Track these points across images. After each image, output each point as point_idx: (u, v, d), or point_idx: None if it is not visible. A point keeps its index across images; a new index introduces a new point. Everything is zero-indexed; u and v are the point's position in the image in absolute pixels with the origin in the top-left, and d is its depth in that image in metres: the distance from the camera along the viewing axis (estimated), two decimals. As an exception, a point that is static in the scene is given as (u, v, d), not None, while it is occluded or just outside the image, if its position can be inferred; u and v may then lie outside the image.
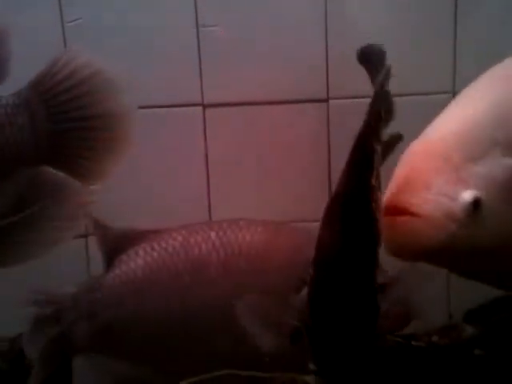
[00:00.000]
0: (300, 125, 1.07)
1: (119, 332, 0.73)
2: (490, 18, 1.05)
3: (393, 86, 0.73)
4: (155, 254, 0.74)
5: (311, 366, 0.66)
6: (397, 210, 0.61)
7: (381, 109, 0.62)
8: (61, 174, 0.77)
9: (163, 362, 0.73)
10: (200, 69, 1.05)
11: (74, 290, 0.76)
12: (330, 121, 1.06)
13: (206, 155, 1.07)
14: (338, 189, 0.60)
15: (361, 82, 1.04)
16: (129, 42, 1.03)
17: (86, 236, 1.06)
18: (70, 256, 0.96)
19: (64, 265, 0.97)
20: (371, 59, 0.66)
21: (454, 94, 1.03)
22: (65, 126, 0.77)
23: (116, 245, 0.76)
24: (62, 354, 0.74)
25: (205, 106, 1.05)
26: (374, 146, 0.59)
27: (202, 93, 1.05)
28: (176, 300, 0.72)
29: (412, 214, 0.60)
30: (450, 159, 0.62)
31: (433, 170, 0.62)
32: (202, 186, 1.08)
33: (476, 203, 0.59)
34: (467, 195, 0.60)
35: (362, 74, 1.03)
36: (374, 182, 0.58)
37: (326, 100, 1.06)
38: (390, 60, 0.68)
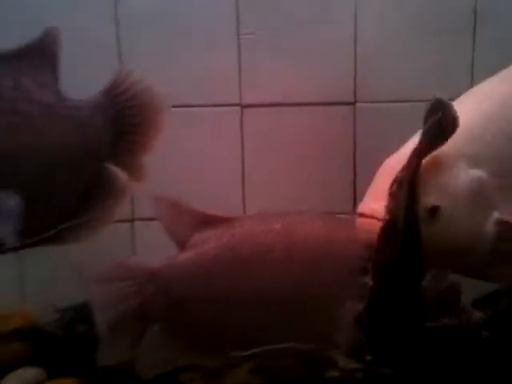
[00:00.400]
0: (328, 126, 1.16)
1: (190, 307, 0.81)
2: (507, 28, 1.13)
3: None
4: (225, 239, 0.81)
5: (368, 357, 0.75)
6: (370, 216, 0.71)
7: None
8: (114, 168, 0.92)
9: (229, 335, 0.81)
10: (240, 72, 1.15)
11: (149, 265, 0.83)
12: (357, 123, 1.15)
13: (243, 151, 1.18)
14: (392, 217, 0.68)
15: (387, 86, 1.14)
16: (171, 44, 1.14)
17: (131, 220, 1.19)
18: (115, 239, 1.08)
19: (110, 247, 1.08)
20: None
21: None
22: (124, 129, 0.92)
23: (190, 227, 0.83)
24: (141, 324, 0.82)
25: (243, 106, 1.16)
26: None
27: (241, 94, 1.16)
28: (242, 281, 0.80)
29: (381, 220, 0.69)
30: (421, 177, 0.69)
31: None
32: (237, 182, 1.19)
33: (433, 210, 0.67)
34: (428, 204, 0.68)
35: (388, 78, 1.13)
36: (417, 208, 0.66)
37: (354, 103, 1.16)
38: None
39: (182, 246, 0.83)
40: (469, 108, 0.75)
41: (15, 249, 0.85)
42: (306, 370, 0.92)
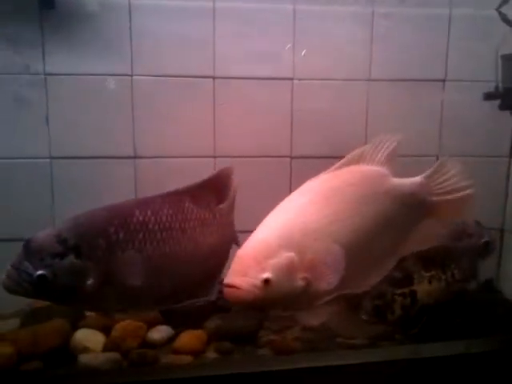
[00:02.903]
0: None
1: None
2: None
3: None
4: None
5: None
6: (231, 286, 1.10)
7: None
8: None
9: None
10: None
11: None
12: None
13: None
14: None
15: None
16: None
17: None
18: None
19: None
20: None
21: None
22: None
23: None
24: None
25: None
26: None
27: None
28: None
29: (237, 288, 1.09)
30: (257, 258, 1.11)
31: (247, 265, 1.11)
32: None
33: (266, 280, 1.08)
34: (262, 276, 1.08)
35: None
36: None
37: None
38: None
39: None
40: (281, 217, 1.22)
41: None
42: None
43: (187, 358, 1.36)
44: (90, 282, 1.12)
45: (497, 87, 1.60)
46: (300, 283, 1.13)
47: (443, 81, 1.74)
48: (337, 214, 1.23)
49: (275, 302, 1.16)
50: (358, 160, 1.35)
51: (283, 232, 1.16)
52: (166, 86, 1.61)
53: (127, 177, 1.62)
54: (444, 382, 1.21)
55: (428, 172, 1.37)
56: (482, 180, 1.74)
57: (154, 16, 1.59)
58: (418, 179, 1.38)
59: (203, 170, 1.61)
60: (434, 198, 1.37)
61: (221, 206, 1.36)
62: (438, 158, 1.74)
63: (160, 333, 1.47)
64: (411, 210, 1.35)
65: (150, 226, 1.20)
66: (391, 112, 1.73)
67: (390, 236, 1.29)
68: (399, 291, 1.23)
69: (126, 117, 1.61)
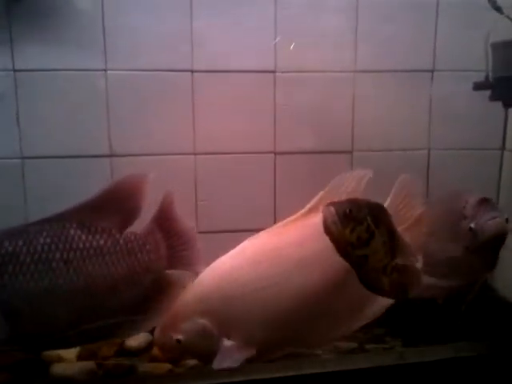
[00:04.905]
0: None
1: None
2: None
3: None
4: None
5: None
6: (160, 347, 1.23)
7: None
8: (172, 272, 1.18)
9: None
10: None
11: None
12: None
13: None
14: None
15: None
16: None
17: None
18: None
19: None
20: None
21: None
22: (173, 244, 1.18)
23: None
24: None
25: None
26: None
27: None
28: None
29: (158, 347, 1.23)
30: (174, 319, 1.16)
31: (166, 324, 1.17)
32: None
33: (178, 340, 1.16)
34: (175, 337, 1.16)
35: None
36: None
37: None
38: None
39: None
40: (206, 282, 1.20)
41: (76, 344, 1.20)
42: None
43: (166, 366, 1.30)
44: None
45: (487, 77, 1.53)
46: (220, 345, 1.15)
47: (432, 71, 1.67)
48: (269, 279, 1.16)
49: (196, 357, 1.23)
50: (319, 208, 1.20)
51: (202, 298, 1.17)
52: (142, 80, 1.54)
53: (103, 176, 1.55)
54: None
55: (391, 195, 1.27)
56: (474, 173, 1.72)
57: (128, 7, 1.52)
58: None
59: (183, 168, 1.58)
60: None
61: (140, 230, 1.16)
62: (429, 152, 1.71)
63: (137, 340, 1.40)
64: None
65: (22, 258, 1.06)
66: (378, 104, 1.66)
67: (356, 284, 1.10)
68: (370, 220, 1.01)
69: (101, 113, 1.54)
